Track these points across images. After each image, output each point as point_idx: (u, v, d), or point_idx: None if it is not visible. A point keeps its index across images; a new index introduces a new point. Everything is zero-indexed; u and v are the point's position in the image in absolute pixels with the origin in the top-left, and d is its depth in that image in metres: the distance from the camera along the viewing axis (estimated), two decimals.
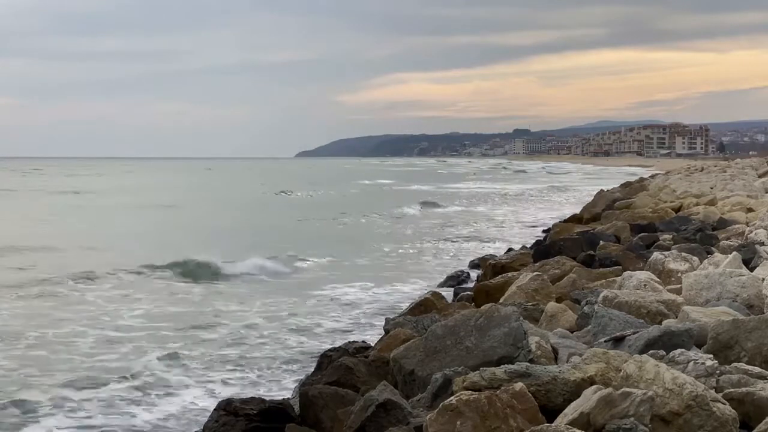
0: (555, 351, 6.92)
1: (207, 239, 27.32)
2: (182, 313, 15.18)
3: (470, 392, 5.32)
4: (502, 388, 5.39)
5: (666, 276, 10.23)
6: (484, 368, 5.84)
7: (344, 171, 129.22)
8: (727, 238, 14.34)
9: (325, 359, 9.29)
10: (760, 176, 35.76)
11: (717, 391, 5.35)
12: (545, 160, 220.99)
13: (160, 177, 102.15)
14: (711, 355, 5.84)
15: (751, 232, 14.23)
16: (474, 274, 18.15)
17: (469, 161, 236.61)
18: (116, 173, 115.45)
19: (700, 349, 6.31)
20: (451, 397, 5.32)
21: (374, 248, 25.29)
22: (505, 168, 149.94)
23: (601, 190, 41.76)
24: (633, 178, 59.00)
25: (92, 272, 18.83)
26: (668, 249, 12.55)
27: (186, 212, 41.69)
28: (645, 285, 8.86)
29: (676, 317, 7.49)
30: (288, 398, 8.73)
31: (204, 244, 23.70)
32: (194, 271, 19.40)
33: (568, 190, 65.15)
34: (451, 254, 23.99)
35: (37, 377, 10.76)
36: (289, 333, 13.48)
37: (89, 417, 9.29)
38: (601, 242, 15.33)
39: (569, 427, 4.82)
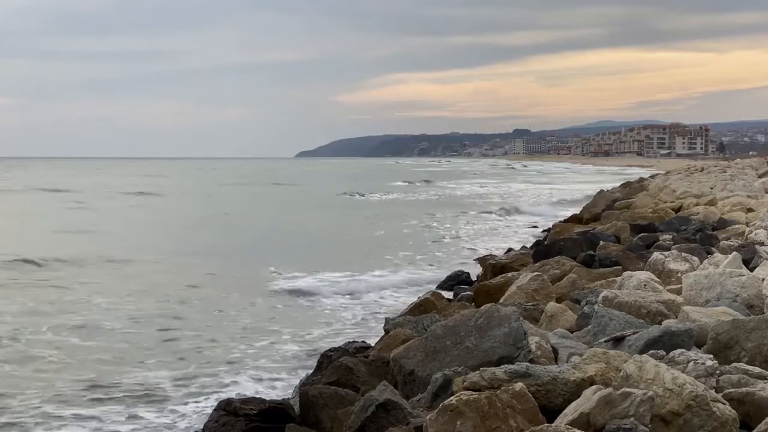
0: (555, 351, 6.92)
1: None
2: (184, 315, 15.19)
3: (470, 392, 5.31)
4: (502, 388, 5.38)
5: (666, 276, 10.22)
6: (484, 368, 5.83)
7: (367, 171, 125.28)
8: (727, 238, 14.33)
9: (325, 359, 9.29)
10: (760, 176, 35.75)
11: (717, 391, 5.35)
12: (545, 160, 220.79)
13: (205, 178, 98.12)
14: (711, 355, 5.83)
15: (751, 232, 14.23)
16: (474, 274, 18.14)
17: (483, 162, 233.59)
18: (154, 173, 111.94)
19: (700, 349, 6.31)
20: (451, 397, 5.32)
21: None
22: (524, 167, 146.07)
23: (601, 190, 41.70)
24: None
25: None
26: (668, 249, 12.53)
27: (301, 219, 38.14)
28: (645, 285, 8.85)
29: (676, 317, 7.49)
30: (288, 398, 8.74)
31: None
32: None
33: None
34: None
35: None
36: (288, 333, 13.48)
37: (91, 418, 9.33)
38: (601, 242, 15.32)
39: (569, 427, 4.82)
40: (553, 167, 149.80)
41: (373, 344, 9.83)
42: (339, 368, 8.25)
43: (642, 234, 16.50)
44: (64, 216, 38.63)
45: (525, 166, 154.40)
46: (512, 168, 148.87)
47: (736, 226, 16.32)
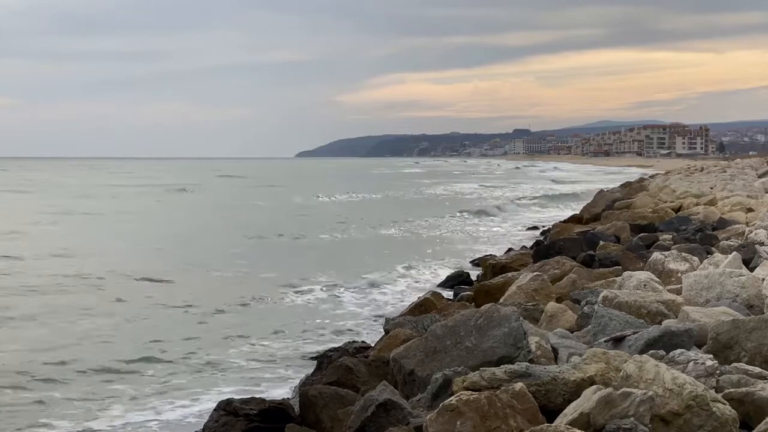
0: (555, 351, 6.92)
1: None
2: (184, 314, 15.18)
3: (470, 392, 5.32)
4: (502, 388, 5.39)
5: (666, 276, 10.23)
6: (484, 368, 5.84)
7: (394, 173, 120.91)
8: (727, 238, 14.33)
9: (325, 359, 9.31)
10: (760, 176, 35.74)
11: (717, 391, 5.35)
12: (545, 160, 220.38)
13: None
14: (711, 355, 5.84)
15: (751, 232, 14.23)
16: (474, 274, 18.14)
17: (497, 164, 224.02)
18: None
19: (700, 349, 6.31)
20: (451, 397, 5.32)
21: None
22: (555, 168, 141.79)
23: (601, 190, 41.68)
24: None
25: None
26: (668, 249, 12.54)
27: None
28: (645, 285, 8.86)
29: (676, 317, 7.49)
30: (288, 398, 8.74)
31: None
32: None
33: None
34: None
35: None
36: (288, 333, 13.48)
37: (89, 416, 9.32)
38: (601, 242, 15.34)
39: (569, 427, 4.82)
40: (587, 168, 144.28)
41: (373, 344, 9.84)
42: (339, 368, 8.26)
43: (642, 234, 16.52)
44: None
45: (556, 168, 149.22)
46: (557, 170, 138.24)
47: (736, 226, 16.32)
